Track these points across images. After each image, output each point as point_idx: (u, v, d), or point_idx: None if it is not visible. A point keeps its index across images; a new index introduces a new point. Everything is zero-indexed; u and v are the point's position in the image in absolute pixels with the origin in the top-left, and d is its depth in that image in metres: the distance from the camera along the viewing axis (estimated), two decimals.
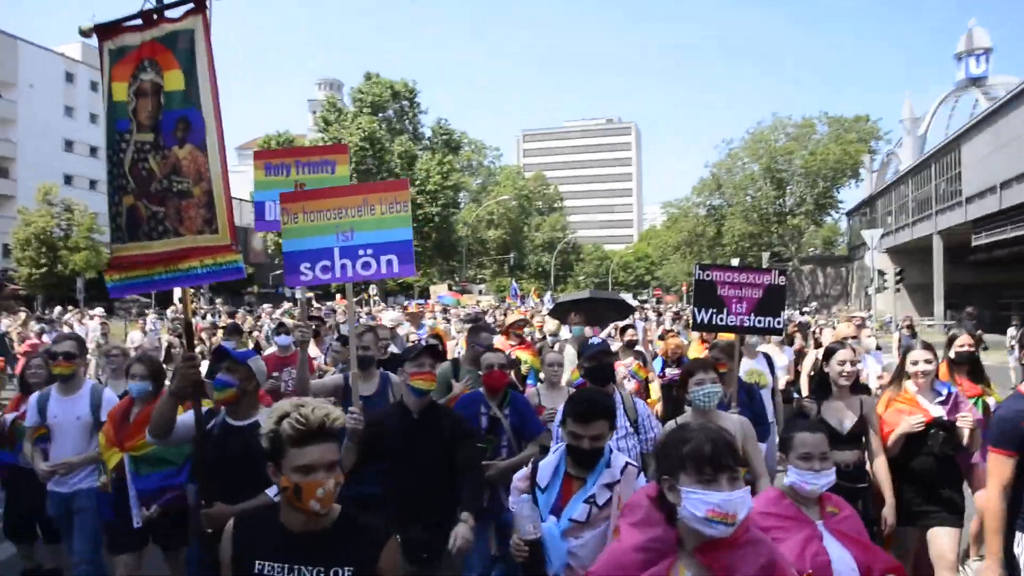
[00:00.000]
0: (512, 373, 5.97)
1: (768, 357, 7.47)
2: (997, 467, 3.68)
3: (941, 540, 4.50)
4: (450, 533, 3.64)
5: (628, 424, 4.57)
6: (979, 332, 12.56)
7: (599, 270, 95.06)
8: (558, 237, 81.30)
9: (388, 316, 13.58)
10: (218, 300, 29.64)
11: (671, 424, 4.21)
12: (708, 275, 5.36)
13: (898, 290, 29.28)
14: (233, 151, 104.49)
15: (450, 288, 44.89)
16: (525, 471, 3.44)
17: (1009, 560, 3.64)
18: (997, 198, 31.91)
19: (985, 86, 53.39)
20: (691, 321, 5.77)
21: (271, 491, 3.58)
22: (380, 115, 56.10)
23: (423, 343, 7.49)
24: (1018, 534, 3.66)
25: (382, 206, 4.54)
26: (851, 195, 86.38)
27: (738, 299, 5.35)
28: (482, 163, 78.70)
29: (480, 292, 57.48)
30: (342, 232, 4.52)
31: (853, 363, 4.75)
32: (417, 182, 53.16)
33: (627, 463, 3.36)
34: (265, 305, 27.17)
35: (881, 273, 25.05)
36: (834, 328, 12.56)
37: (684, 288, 76.44)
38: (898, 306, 37.81)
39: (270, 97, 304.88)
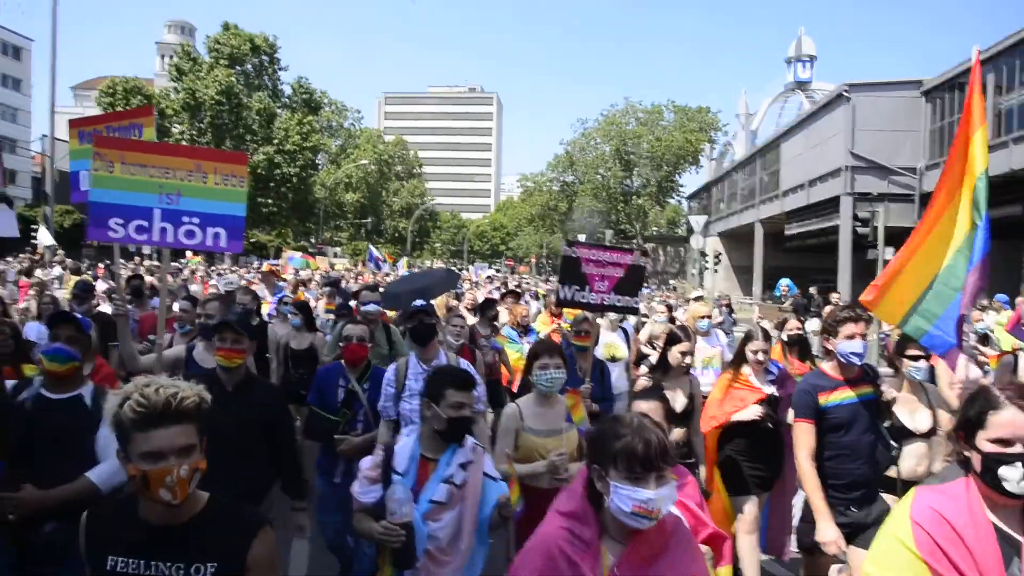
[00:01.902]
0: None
1: (625, 331, 7.60)
2: (801, 435, 4.09)
3: (748, 505, 4.86)
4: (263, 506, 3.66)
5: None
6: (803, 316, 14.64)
7: (455, 238, 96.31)
8: (416, 203, 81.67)
9: (223, 281, 12.08)
10: (61, 252, 27.52)
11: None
12: (575, 252, 5.37)
13: (715, 271, 32.54)
14: (68, 90, 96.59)
15: (305, 251, 44.69)
16: (373, 459, 3.28)
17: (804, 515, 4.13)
18: (806, 193, 36.03)
19: (809, 90, 58.90)
20: (555, 297, 5.75)
21: (95, 474, 3.31)
22: (238, 68, 54.38)
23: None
24: (801, 491, 4.20)
25: (216, 176, 4.34)
26: (692, 180, 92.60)
27: (600, 277, 5.38)
28: (342, 125, 77.54)
29: (335, 255, 57.38)
30: (167, 194, 4.27)
31: (692, 353, 5.01)
32: (275, 141, 52.26)
33: (475, 444, 3.37)
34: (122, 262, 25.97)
35: (703, 254, 28.15)
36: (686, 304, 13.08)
37: (534, 259, 79.54)
38: (726, 285, 41.87)
39: (111, 32, 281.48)
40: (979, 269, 4.56)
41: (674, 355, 4.94)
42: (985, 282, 4.42)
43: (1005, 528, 2.09)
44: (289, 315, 7.66)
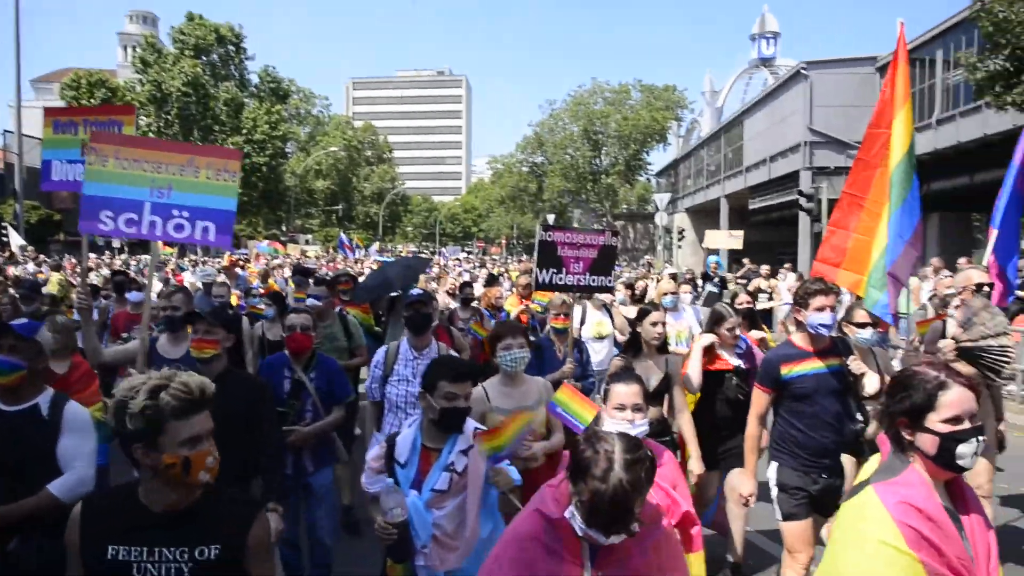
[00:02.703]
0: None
1: (608, 308, 7.64)
2: (756, 400, 4.36)
3: (732, 478, 4.95)
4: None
5: None
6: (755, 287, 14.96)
7: (427, 221, 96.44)
8: (387, 188, 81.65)
9: (200, 273, 12.30)
10: (31, 248, 27.27)
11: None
12: (550, 236, 5.45)
13: (679, 247, 33.30)
14: (27, 83, 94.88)
15: (277, 239, 44.78)
16: (377, 451, 3.36)
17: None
18: (768, 169, 36.90)
19: (773, 66, 59.59)
20: (533, 281, 6.01)
21: (56, 485, 3.18)
22: (204, 59, 54.06)
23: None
24: (772, 462, 4.34)
25: (208, 171, 4.35)
26: (661, 158, 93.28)
27: (575, 259, 5.47)
28: (311, 112, 77.25)
29: (307, 242, 57.48)
30: (158, 188, 4.29)
31: (664, 325, 5.06)
32: (244, 131, 52.13)
33: (475, 427, 3.39)
34: (92, 255, 25.45)
35: (668, 231, 28.96)
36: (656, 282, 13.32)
37: (504, 241, 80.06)
38: (693, 260, 42.70)
39: (71, 24, 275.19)
40: (913, 240, 4.90)
41: (647, 329, 4.96)
42: (920, 252, 4.65)
43: (948, 505, 2.15)
44: (264, 306, 7.55)
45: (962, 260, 13.43)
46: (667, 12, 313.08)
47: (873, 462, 2.35)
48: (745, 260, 22.27)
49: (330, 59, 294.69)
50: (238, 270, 14.63)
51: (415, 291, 5.58)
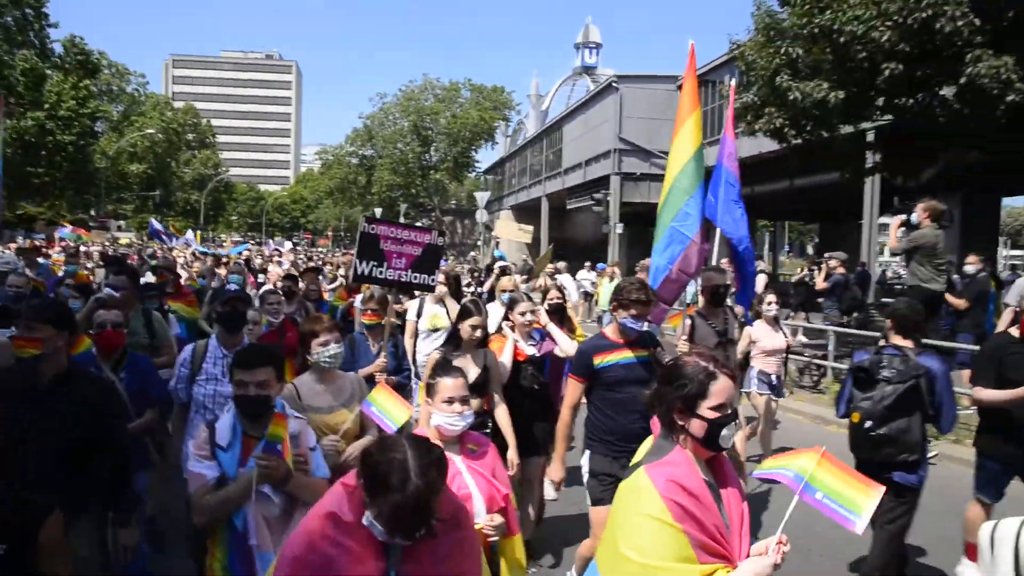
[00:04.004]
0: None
1: (444, 302, 7.59)
2: (570, 390, 4.56)
3: (527, 466, 5.14)
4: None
5: None
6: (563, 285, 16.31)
7: (253, 211, 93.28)
8: (210, 175, 78.21)
9: None
10: None
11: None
12: (373, 228, 5.44)
13: (497, 243, 35.07)
14: None
15: (84, 224, 41.97)
16: (200, 436, 3.28)
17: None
18: (583, 172, 39.61)
19: (595, 75, 63.18)
20: (352, 273, 5.90)
21: None
22: None
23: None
24: (585, 450, 4.52)
25: None
26: (490, 156, 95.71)
27: (398, 254, 5.44)
28: (124, 89, 72.25)
29: (119, 228, 54.18)
30: None
31: (484, 327, 5.02)
32: (47, 106, 48.27)
33: (297, 416, 3.46)
34: None
35: (487, 228, 30.56)
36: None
37: (330, 233, 79.14)
38: (518, 255, 44.75)
39: None
40: (698, 238, 5.17)
41: (465, 329, 4.96)
42: (705, 249, 5.21)
43: (708, 479, 2.40)
44: (70, 298, 7.01)
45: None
46: (499, 15, 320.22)
47: (647, 443, 2.57)
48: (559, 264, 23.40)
49: (147, 33, 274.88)
50: (40, 259, 13.30)
51: (233, 286, 5.46)
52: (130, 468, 3.81)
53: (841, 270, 13.11)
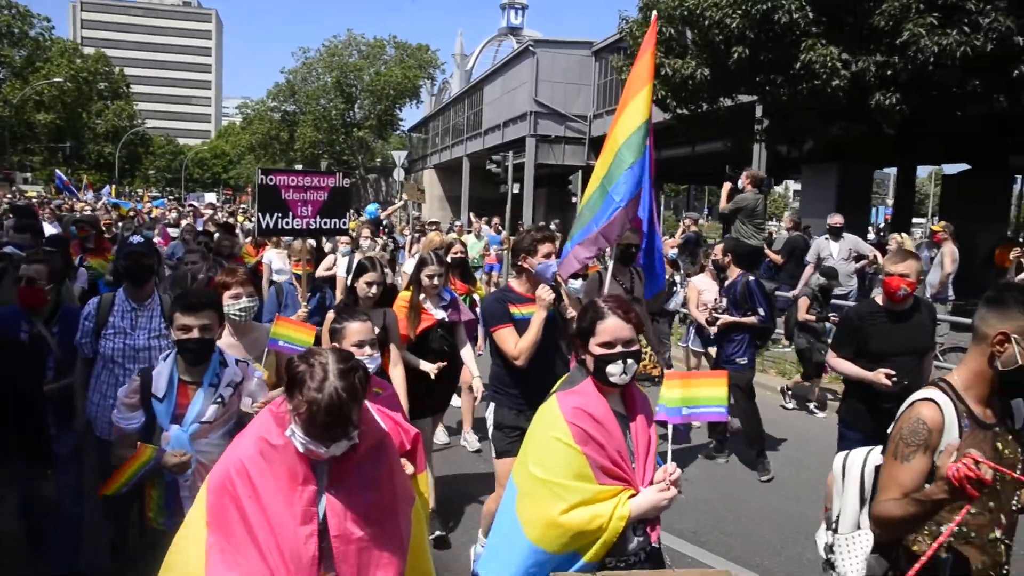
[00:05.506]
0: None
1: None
2: (507, 339, 4.25)
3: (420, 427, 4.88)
4: None
5: None
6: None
7: (172, 165, 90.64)
8: (124, 127, 75.54)
9: None
10: None
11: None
12: (271, 179, 5.31)
13: (421, 204, 35.77)
14: None
15: None
16: (129, 386, 3.26)
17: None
18: (502, 133, 40.49)
19: (520, 36, 63.63)
20: (256, 227, 5.68)
21: None
22: None
23: None
24: (490, 403, 4.45)
25: None
26: (415, 114, 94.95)
27: (303, 202, 5.36)
28: (27, 33, 68.63)
29: (25, 181, 52.38)
30: None
31: (380, 283, 4.87)
32: None
33: (238, 360, 3.43)
34: None
35: (403, 186, 31.20)
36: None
37: (250, 189, 77.79)
38: (441, 214, 45.48)
39: None
40: (629, 207, 5.07)
41: (361, 286, 4.81)
42: (633, 218, 5.14)
43: (617, 409, 2.56)
44: None
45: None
46: None
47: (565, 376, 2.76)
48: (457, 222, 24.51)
49: None
50: None
51: (135, 238, 5.37)
52: (45, 424, 3.87)
53: (694, 228, 14.59)
